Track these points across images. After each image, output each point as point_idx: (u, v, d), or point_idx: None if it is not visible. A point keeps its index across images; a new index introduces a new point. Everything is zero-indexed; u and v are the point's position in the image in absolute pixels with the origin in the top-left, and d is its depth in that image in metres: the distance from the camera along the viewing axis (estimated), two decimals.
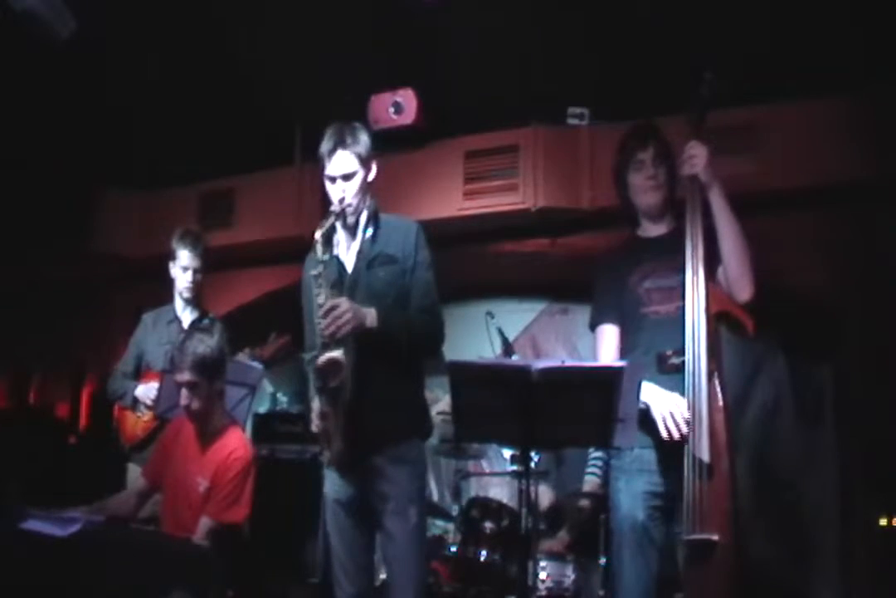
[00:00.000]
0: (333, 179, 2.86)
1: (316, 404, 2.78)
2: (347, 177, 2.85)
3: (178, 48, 4.81)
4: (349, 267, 2.88)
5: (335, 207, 2.83)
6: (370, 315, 2.73)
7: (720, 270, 2.87)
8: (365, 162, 2.87)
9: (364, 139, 2.88)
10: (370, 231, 2.90)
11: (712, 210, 2.84)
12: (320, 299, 2.71)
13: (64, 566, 2.52)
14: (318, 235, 2.75)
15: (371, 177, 2.91)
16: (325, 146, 2.87)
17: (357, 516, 2.84)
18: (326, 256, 2.76)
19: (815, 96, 4.29)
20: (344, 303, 2.68)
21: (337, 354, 2.65)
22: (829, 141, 4.23)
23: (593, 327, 3.06)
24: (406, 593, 2.77)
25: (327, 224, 2.78)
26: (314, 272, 2.75)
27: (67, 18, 4.06)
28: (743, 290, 2.82)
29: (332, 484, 2.87)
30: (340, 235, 2.93)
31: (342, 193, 2.84)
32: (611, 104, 4.70)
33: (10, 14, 3.89)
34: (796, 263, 4.32)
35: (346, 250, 2.92)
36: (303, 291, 2.98)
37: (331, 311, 2.66)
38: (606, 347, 2.99)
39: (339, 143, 2.84)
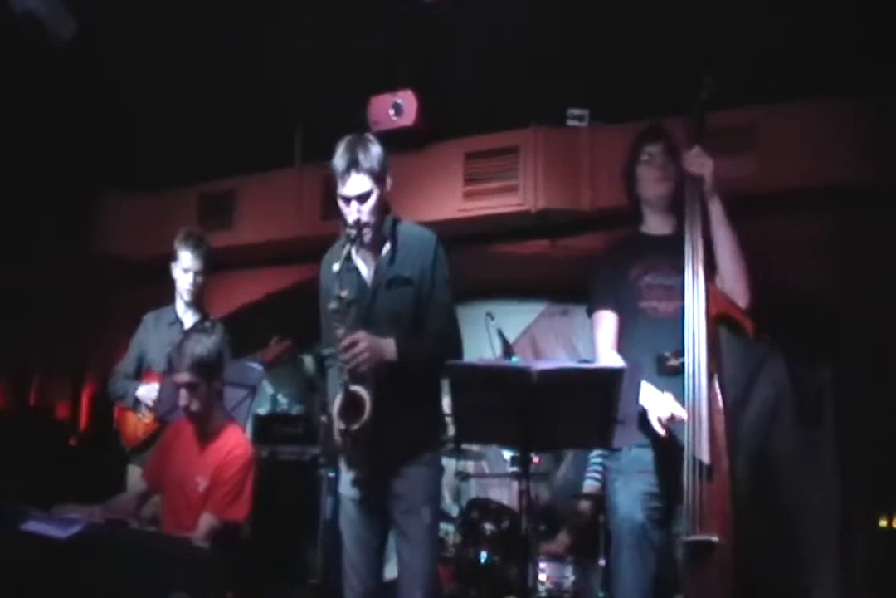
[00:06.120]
0: (348, 200, 2.78)
1: (336, 417, 2.72)
2: (363, 198, 2.77)
3: (178, 49, 4.81)
4: (368, 283, 2.86)
5: (351, 231, 2.75)
6: (388, 348, 2.71)
7: (717, 280, 2.90)
8: (379, 178, 2.79)
9: (377, 153, 2.79)
10: (387, 249, 2.85)
11: (711, 220, 2.88)
12: (339, 333, 2.68)
13: (64, 566, 2.52)
14: (336, 267, 2.68)
15: (387, 190, 2.84)
16: (338, 164, 2.78)
17: (370, 514, 2.85)
18: (345, 294, 2.69)
19: (815, 97, 4.28)
20: (362, 339, 2.65)
21: (359, 388, 2.66)
22: (828, 141, 4.23)
23: (591, 312, 3.08)
24: (414, 592, 2.77)
25: (344, 254, 2.71)
26: (333, 306, 2.68)
27: (68, 20, 4.07)
28: (740, 298, 2.88)
29: (348, 483, 2.87)
30: (360, 251, 2.88)
31: (357, 213, 2.77)
32: (611, 105, 4.70)
33: (11, 16, 3.90)
34: (796, 264, 4.32)
35: (366, 266, 2.88)
36: (321, 289, 2.96)
37: (350, 347, 2.64)
38: (604, 333, 3.01)
39: (353, 164, 2.75)
